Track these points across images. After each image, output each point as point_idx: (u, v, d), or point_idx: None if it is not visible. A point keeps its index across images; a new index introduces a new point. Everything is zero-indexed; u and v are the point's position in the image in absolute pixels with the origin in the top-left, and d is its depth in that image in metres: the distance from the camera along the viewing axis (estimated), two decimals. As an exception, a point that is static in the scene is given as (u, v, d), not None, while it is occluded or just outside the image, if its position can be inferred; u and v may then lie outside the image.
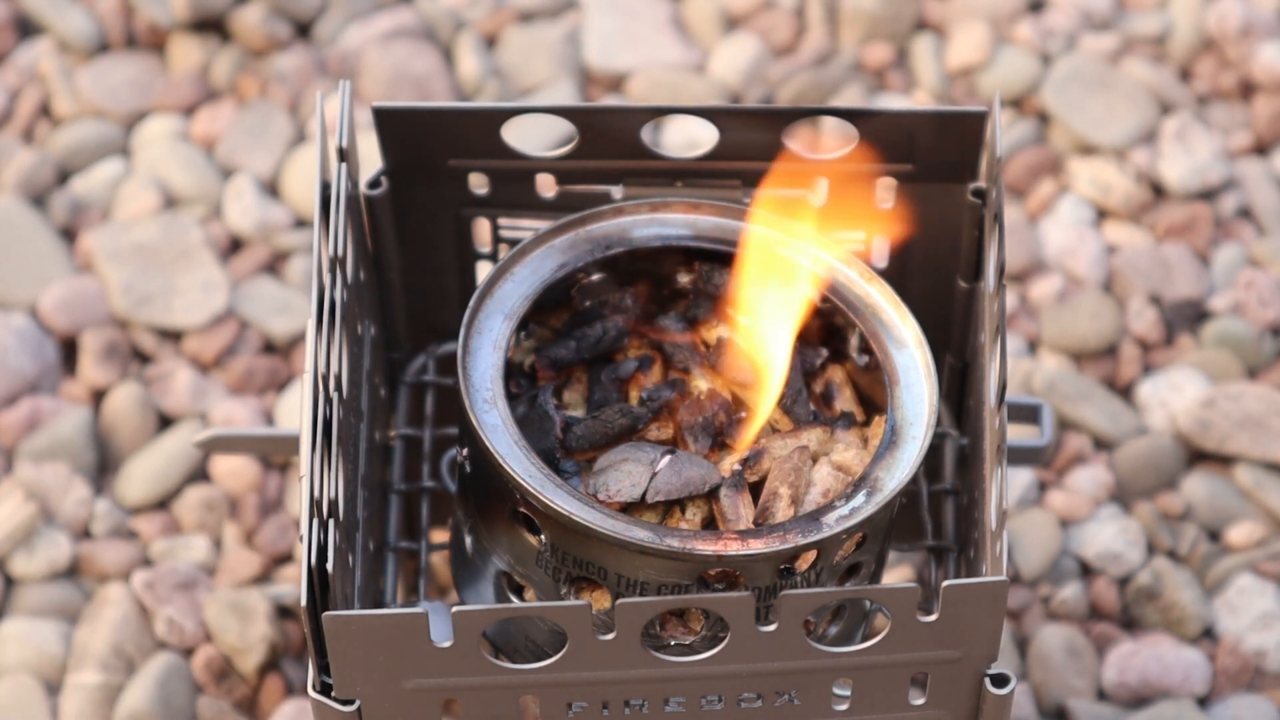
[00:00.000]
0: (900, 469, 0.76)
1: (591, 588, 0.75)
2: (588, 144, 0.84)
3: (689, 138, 1.16)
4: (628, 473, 0.75)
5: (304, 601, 0.70)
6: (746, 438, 0.78)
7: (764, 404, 0.78)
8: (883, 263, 0.88)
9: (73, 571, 1.03)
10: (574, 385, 0.80)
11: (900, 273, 0.88)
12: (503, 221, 0.88)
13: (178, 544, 1.03)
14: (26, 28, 1.24)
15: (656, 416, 0.78)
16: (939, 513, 0.88)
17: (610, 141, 0.84)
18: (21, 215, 1.15)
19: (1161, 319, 1.11)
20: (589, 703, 0.73)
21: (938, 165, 0.84)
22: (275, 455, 1.05)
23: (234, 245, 1.15)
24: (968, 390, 0.87)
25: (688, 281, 0.83)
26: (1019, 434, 1.01)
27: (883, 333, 0.80)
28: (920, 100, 1.20)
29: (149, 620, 1.01)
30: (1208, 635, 1.01)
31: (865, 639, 0.73)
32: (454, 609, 0.69)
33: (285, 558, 1.03)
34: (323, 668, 0.72)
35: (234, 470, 1.05)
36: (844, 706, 0.75)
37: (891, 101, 1.20)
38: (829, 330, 0.83)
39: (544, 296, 0.80)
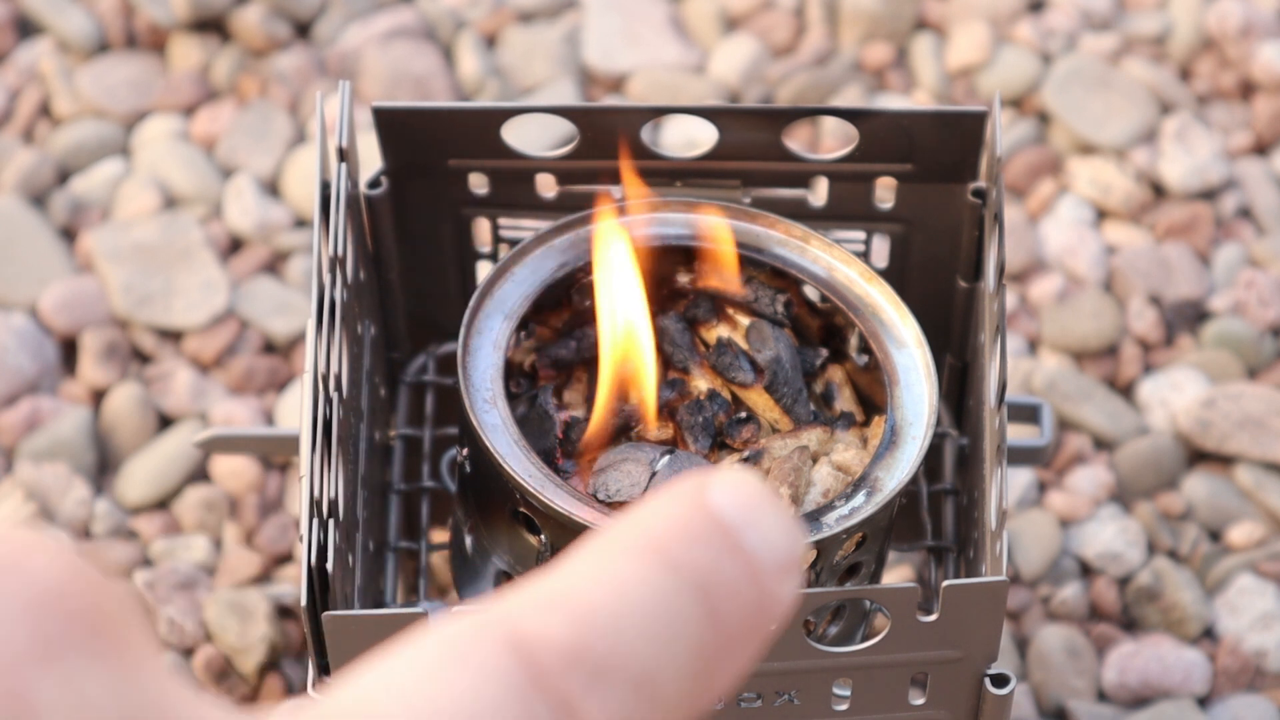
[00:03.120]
0: (900, 469, 0.76)
1: (591, 588, 0.75)
2: (588, 144, 0.84)
3: (689, 138, 1.16)
4: (627, 473, 0.75)
5: (304, 601, 0.70)
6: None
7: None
8: (883, 263, 0.88)
9: (73, 571, 1.03)
10: (574, 385, 0.80)
11: (900, 273, 0.88)
12: (503, 221, 0.88)
13: (178, 544, 1.03)
14: (26, 28, 1.24)
15: (656, 416, 0.78)
16: (939, 513, 0.88)
17: (610, 141, 0.84)
18: (21, 215, 1.15)
19: (1162, 319, 1.11)
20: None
21: (938, 165, 0.84)
22: (275, 455, 1.05)
23: (234, 245, 1.15)
24: (968, 390, 0.87)
25: (688, 281, 0.83)
26: (1019, 434, 1.01)
27: (883, 333, 0.80)
28: (920, 100, 1.20)
29: (149, 620, 1.01)
30: (1208, 635, 1.01)
31: (865, 639, 0.73)
32: (454, 609, 0.69)
33: (285, 558, 1.03)
34: (323, 668, 0.72)
35: (234, 470, 1.05)
36: (844, 706, 0.75)
37: (891, 101, 1.20)
38: (829, 330, 0.83)
39: (544, 296, 0.80)
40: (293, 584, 1.02)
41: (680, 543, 0.38)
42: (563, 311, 0.82)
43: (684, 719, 0.38)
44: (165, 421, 1.08)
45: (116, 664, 0.33)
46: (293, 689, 0.99)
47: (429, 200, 0.87)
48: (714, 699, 0.38)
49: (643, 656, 0.37)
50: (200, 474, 1.06)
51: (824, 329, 0.83)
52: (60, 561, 0.33)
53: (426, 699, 0.36)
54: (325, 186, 0.80)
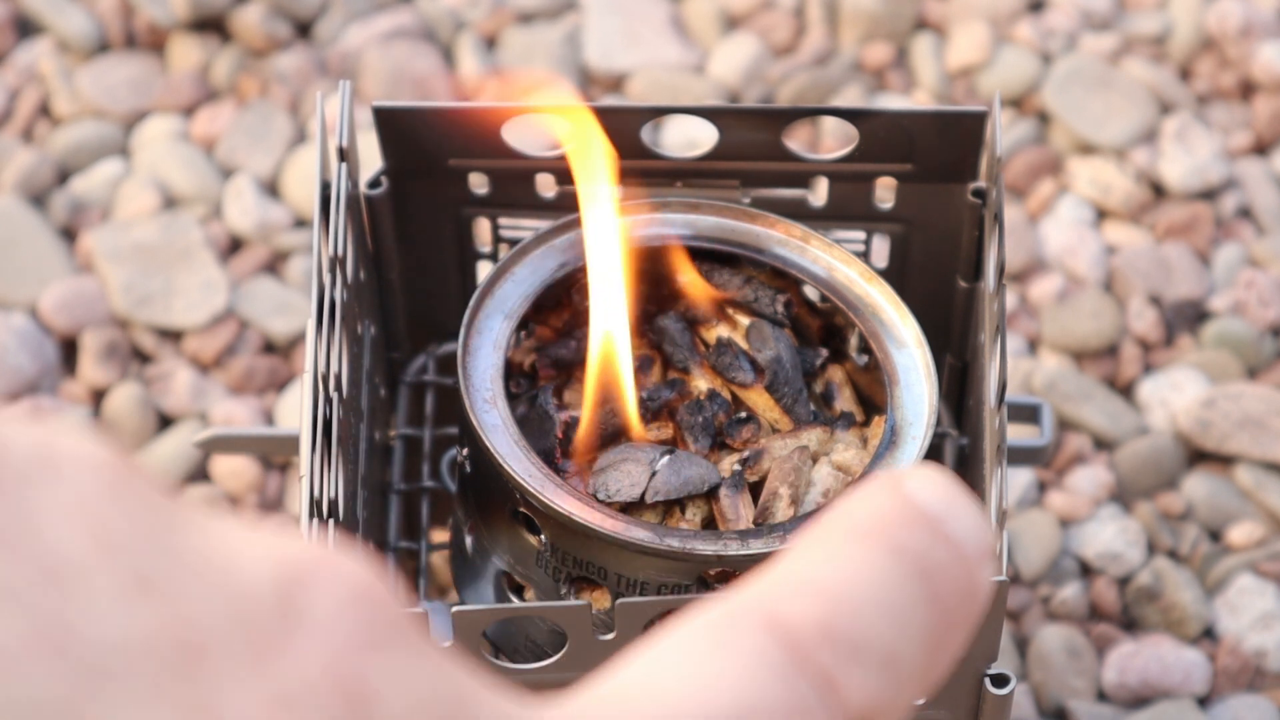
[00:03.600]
0: (900, 469, 0.76)
1: (591, 588, 0.75)
2: (588, 144, 0.84)
3: (689, 138, 1.16)
4: (627, 473, 0.75)
5: (304, 601, 0.70)
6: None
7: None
8: (883, 263, 0.88)
9: (73, 571, 1.03)
10: (574, 385, 0.80)
11: (900, 273, 0.88)
12: (503, 221, 0.88)
13: (178, 544, 1.03)
14: (26, 28, 1.24)
15: (656, 416, 0.78)
16: (939, 513, 0.88)
17: (610, 141, 0.84)
18: (21, 215, 1.15)
19: (1162, 319, 1.11)
20: (589, 703, 0.73)
21: (938, 165, 0.84)
22: (275, 455, 1.05)
23: (234, 245, 1.15)
24: (968, 390, 0.87)
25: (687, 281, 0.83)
26: (1019, 434, 1.01)
27: (883, 333, 0.80)
28: (920, 100, 1.20)
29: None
30: (1208, 635, 1.01)
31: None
32: (454, 609, 0.69)
33: (285, 558, 1.03)
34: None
35: (234, 470, 1.05)
36: (844, 706, 0.75)
37: (891, 101, 1.19)
38: (829, 330, 0.83)
39: (544, 296, 0.80)
40: (293, 584, 1.02)
41: (897, 529, 0.39)
42: (563, 311, 0.82)
43: (914, 700, 0.39)
44: (165, 421, 1.08)
45: (428, 656, 0.35)
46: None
47: (429, 200, 0.87)
48: (935, 682, 0.39)
49: (886, 636, 0.38)
50: (200, 474, 1.06)
51: (824, 329, 0.83)
52: (362, 564, 0.35)
53: (698, 684, 0.37)
54: (325, 186, 0.80)
